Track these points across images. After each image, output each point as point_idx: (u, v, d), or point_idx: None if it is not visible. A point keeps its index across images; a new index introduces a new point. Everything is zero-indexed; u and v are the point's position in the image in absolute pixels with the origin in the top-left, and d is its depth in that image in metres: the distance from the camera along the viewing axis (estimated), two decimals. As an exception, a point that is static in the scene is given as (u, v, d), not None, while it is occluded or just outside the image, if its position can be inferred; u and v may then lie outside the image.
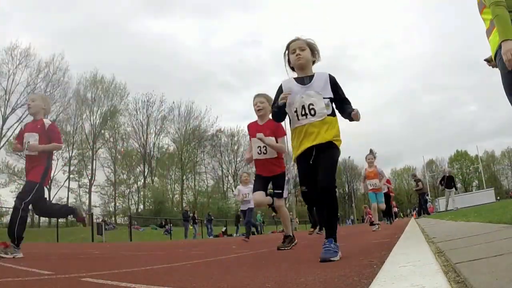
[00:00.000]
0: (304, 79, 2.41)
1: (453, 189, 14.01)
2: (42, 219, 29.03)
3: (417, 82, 65.14)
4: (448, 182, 13.92)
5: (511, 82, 2.26)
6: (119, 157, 38.12)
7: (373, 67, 65.81)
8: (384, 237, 4.37)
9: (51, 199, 33.20)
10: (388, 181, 10.15)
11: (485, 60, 2.64)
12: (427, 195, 24.48)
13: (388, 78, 66.24)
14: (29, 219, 28.20)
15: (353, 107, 2.36)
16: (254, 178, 4.15)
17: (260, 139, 3.60)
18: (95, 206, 35.87)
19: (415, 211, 19.52)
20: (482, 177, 39.32)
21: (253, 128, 3.89)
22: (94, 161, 36.57)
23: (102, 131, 37.15)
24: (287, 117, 2.52)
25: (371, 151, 7.80)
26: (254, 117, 3.99)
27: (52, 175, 30.26)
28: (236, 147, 45.75)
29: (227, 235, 21.60)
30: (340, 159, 2.65)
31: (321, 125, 2.31)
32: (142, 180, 39.70)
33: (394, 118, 67.52)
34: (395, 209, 21.48)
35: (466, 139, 66.40)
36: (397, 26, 69.45)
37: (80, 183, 35.84)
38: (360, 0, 69.45)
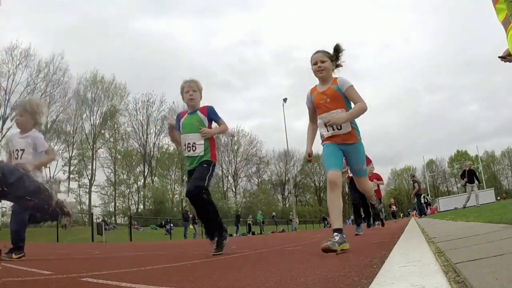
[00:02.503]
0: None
1: (475, 183, 12.96)
2: (42, 219, 29.05)
3: (417, 82, 65.20)
4: (470, 176, 12.93)
5: None
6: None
7: (373, 67, 65.87)
8: (384, 237, 4.37)
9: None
10: (378, 177, 9.32)
11: (500, 57, 2.60)
12: (427, 195, 24.46)
13: (388, 78, 66.31)
14: (29, 219, 28.21)
15: None
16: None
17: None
18: (95, 206, 35.87)
19: (414, 211, 19.49)
20: (482, 177, 39.33)
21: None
22: (94, 161, 36.58)
23: (102, 131, 37.16)
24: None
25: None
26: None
27: (52, 175, 30.06)
28: (236, 147, 45.80)
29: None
30: None
31: None
32: (142, 180, 39.72)
33: (394, 118, 67.53)
34: (394, 208, 21.45)
35: (466, 139, 66.61)
36: (397, 25, 69.46)
37: (80, 183, 35.85)
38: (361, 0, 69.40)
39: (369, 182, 3.02)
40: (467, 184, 12.95)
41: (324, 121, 2.78)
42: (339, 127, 2.76)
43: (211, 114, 3.47)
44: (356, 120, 2.86)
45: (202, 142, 3.34)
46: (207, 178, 3.27)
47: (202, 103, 3.55)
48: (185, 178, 3.92)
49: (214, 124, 3.53)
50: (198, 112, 3.44)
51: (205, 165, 3.31)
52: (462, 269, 1.10)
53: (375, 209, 7.33)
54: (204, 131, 3.32)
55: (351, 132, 2.80)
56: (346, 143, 2.80)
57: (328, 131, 2.80)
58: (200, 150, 3.33)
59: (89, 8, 43.68)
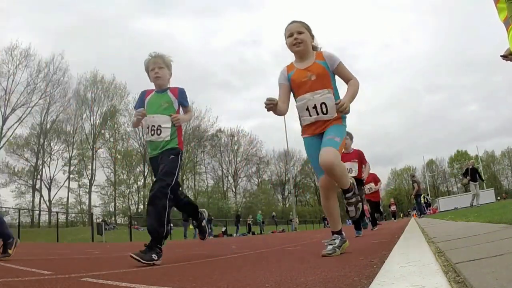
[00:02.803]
0: None
1: (478, 182, 12.78)
2: (42, 219, 29.12)
3: (417, 82, 65.19)
4: (473, 174, 12.69)
5: None
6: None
7: (373, 67, 65.79)
8: (384, 237, 4.37)
9: (51, 199, 33.30)
10: (375, 178, 8.71)
11: (502, 56, 2.60)
12: (427, 196, 24.45)
13: (388, 78, 66.26)
14: (28, 219, 28.27)
15: None
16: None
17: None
18: (95, 206, 35.87)
19: (415, 211, 19.51)
20: (482, 177, 39.28)
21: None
22: (94, 161, 36.57)
23: (102, 131, 37.17)
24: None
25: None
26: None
27: (52, 175, 30.11)
28: (236, 147, 45.78)
29: (227, 235, 21.61)
30: None
31: None
32: (142, 180, 39.70)
33: (394, 118, 67.51)
34: (394, 207, 21.42)
35: (466, 139, 66.56)
36: (397, 25, 69.45)
37: (80, 183, 35.86)
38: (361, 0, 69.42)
39: (341, 162, 2.38)
40: (471, 182, 12.79)
41: (338, 107, 2.31)
42: (324, 111, 2.37)
43: (182, 98, 3.05)
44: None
45: (169, 125, 2.91)
46: (176, 173, 2.85)
47: (174, 84, 3.13)
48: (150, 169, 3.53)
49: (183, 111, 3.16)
50: (168, 92, 3.02)
51: (172, 156, 2.87)
52: (462, 269, 1.10)
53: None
54: (175, 117, 2.92)
55: (336, 118, 2.41)
56: (328, 127, 2.42)
57: (310, 115, 2.40)
58: (165, 134, 2.90)
59: (89, 8, 43.69)
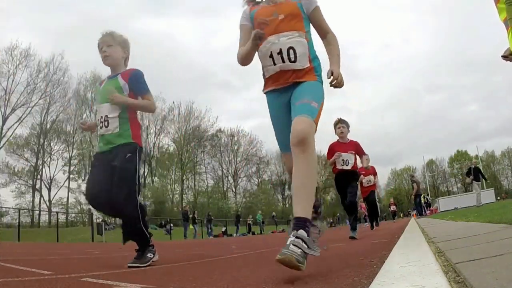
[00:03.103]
0: None
1: (480, 181, 12.77)
2: (42, 219, 29.11)
3: (417, 82, 65.19)
4: (476, 174, 12.67)
5: None
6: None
7: (373, 67, 65.84)
8: (384, 237, 4.37)
9: (51, 199, 33.31)
10: (375, 172, 8.34)
11: (503, 56, 2.60)
12: (428, 196, 24.43)
13: (388, 78, 66.27)
14: (28, 219, 28.26)
15: None
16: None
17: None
18: (95, 206, 35.84)
19: (415, 211, 19.52)
20: (485, 176, 39.26)
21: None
22: (94, 161, 36.53)
23: (102, 131, 37.15)
24: None
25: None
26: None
27: (52, 175, 30.06)
28: (236, 147, 45.75)
29: (227, 235, 21.61)
30: None
31: None
32: (142, 180, 39.70)
33: (394, 118, 67.50)
34: (394, 207, 21.41)
35: (466, 139, 66.54)
36: (397, 25, 69.46)
37: (80, 183, 35.83)
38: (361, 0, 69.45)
39: (314, 143, 1.67)
40: (473, 182, 12.79)
41: (331, 81, 1.87)
42: (292, 58, 1.84)
43: (133, 82, 2.55)
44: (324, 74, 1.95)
45: (116, 114, 2.50)
46: (137, 176, 2.48)
47: (134, 66, 2.68)
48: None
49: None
50: (119, 77, 2.58)
51: (129, 155, 2.45)
52: (462, 269, 1.10)
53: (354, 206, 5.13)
54: (112, 95, 2.49)
55: (308, 70, 1.88)
56: (297, 81, 1.88)
57: (275, 63, 1.87)
58: (113, 125, 2.48)
59: (89, 8, 43.67)
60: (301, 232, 1.47)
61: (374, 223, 8.66)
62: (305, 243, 1.45)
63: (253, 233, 24.48)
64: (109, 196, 2.38)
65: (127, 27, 50.59)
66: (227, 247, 5.57)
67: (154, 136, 40.90)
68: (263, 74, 1.99)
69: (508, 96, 52.49)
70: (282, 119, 1.92)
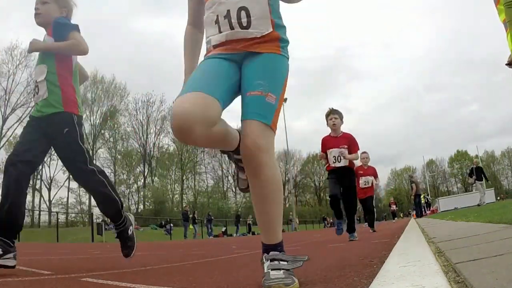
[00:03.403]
0: None
1: (483, 181, 12.73)
2: (42, 219, 29.11)
3: (417, 82, 65.22)
4: (478, 173, 12.70)
5: None
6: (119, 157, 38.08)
7: (374, 67, 65.95)
8: (384, 237, 4.37)
9: (51, 199, 33.30)
10: (375, 172, 7.45)
11: (507, 64, 2.59)
12: (428, 195, 24.41)
13: (388, 78, 66.30)
14: (28, 219, 28.25)
15: None
16: None
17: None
18: (95, 206, 35.77)
19: (414, 211, 19.54)
20: (487, 176, 39.22)
21: None
22: (94, 161, 36.53)
23: (102, 131, 37.18)
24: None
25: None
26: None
27: (52, 175, 30.01)
28: (236, 147, 45.75)
29: (227, 235, 21.61)
30: None
31: None
32: (142, 180, 39.72)
33: (394, 118, 67.55)
34: (394, 207, 21.39)
35: (466, 139, 66.59)
36: (397, 25, 69.49)
37: (80, 183, 35.84)
38: (362, 0, 69.45)
39: (273, 156, 1.34)
40: (476, 181, 12.75)
41: None
42: (244, 22, 1.31)
43: (56, 31, 2.20)
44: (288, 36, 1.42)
45: (43, 77, 2.16)
46: (83, 147, 2.21)
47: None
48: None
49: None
50: (45, 36, 2.29)
51: (66, 130, 2.14)
52: (462, 269, 1.09)
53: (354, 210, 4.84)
54: (29, 43, 2.19)
55: (269, 40, 1.34)
56: (252, 51, 1.34)
57: (221, 30, 1.34)
58: (42, 91, 2.16)
59: (89, 8, 43.63)
60: (273, 253, 1.29)
61: (371, 229, 7.64)
62: (283, 260, 1.27)
63: (253, 233, 24.47)
64: (32, 159, 2.09)
65: (127, 27, 50.74)
66: (227, 247, 5.57)
67: (154, 136, 41.02)
68: (208, 40, 1.41)
69: (508, 96, 52.52)
70: (209, 72, 1.32)
